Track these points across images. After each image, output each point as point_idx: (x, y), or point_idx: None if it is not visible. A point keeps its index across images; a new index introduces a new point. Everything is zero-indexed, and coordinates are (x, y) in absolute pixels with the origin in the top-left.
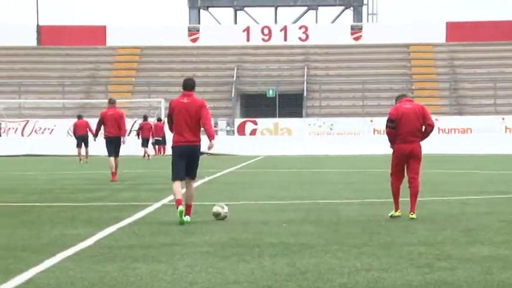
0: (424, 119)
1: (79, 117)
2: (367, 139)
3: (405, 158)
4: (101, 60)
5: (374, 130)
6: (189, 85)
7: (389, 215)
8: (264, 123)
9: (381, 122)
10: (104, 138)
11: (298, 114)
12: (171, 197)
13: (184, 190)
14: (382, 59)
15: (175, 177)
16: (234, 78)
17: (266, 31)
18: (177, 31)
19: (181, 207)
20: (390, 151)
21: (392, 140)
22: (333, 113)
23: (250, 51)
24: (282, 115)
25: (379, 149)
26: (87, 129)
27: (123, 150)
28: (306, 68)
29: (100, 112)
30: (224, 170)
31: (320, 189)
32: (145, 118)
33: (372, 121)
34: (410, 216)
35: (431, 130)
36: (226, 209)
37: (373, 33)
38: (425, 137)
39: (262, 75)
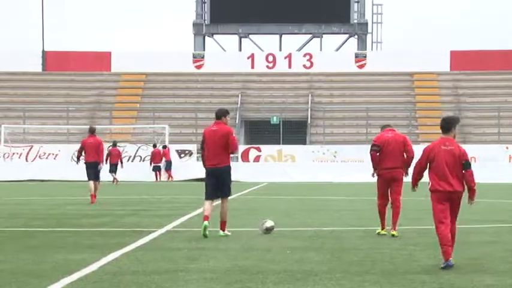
0: (405, 147)
1: (114, 145)
2: (371, 167)
3: (388, 183)
4: (105, 86)
5: None
6: (216, 114)
7: (376, 232)
8: (267, 149)
9: None
10: (84, 163)
11: (302, 141)
12: (175, 223)
13: (212, 207)
14: (386, 87)
15: (206, 197)
16: (238, 105)
17: (271, 58)
18: (182, 57)
19: (206, 222)
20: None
21: (376, 164)
22: (336, 141)
23: (255, 78)
24: (286, 142)
25: None
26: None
27: (131, 176)
28: (310, 95)
29: (81, 139)
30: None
31: (324, 216)
32: (114, 144)
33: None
34: (392, 233)
35: (411, 160)
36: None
37: (377, 61)
38: (407, 167)
39: (267, 102)
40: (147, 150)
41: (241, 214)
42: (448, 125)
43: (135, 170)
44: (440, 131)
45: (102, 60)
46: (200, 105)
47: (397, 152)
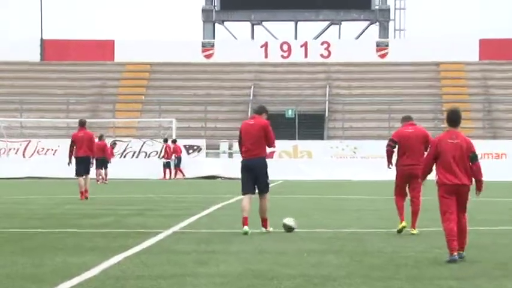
0: (425, 144)
1: (100, 137)
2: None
3: (406, 179)
4: (108, 77)
5: None
6: (256, 110)
7: (397, 230)
8: (282, 145)
9: None
10: (74, 158)
11: (319, 136)
12: (183, 224)
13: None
14: (410, 78)
15: (243, 191)
16: (251, 97)
17: (285, 47)
18: (190, 46)
19: (245, 228)
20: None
21: (390, 159)
22: (356, 135)
23: (268, 69)
24: (302, 137)
25: None
26: (105, 151)
27: (136, 174)
28: (327, 86)
29: (72, 133)
30: (239, 195)
31: (343, 217)
32: (100, 138)
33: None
34: (412, 232)
35: None
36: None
37: (400, 50)
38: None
39: (281, 94)
40: (152, 146)
41: (254, 214)
42: (456, 117)
43: (140, 166)
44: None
45: (104, 49)
46: (210, 98)
47: (417, 148)
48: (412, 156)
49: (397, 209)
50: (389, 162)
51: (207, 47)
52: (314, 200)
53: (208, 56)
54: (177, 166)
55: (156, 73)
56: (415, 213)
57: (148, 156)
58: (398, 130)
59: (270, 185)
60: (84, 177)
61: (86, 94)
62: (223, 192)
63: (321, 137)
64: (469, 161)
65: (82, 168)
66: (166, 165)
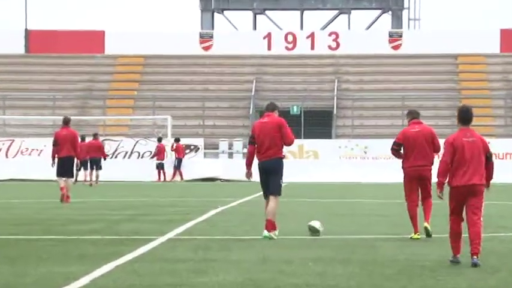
0: (433, 143)
1: (94, 136)
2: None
3: (416, 181)
4: (98, 71)
5: None
6: (267, 107)
7: (410, 237)
8: None
9: None
10: (57, 158)
11: (326, 134)
12: (178, 230)
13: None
14: (426, 72)
15: (264, 194)
16: (253, 93)
17: (290, 38)
18: (187, 37)
19: (265, 233)
20: (434, 179)
21: (400, 158)
22: (367, 134)
23: (272, 62)
24: (308, 135)
25: None
26: (101, 150)
27: (128, 175)
28: (336, 81)
29: (54, 132)
30: (240, 198)
31: (352, 222)
32: (95, 136)
33: None
34: (425, 224)
35: (436, 154)
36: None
37: (415, 42)
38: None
39: (285, 90)
40: (146, 145)
41: (256, 219)
42: (469, 116)
43: (133, 168)
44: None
45: (94, 40)
46: (208, 93)
47: (425, 147)
48: (419, 157)
49: (409, 217)
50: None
51: (205, 38)
52: (321, 204)
53: (206, 48)
54: (177, 168)
55: (150, 67)
56: (428, 209)
57: (142, 157)
58: (403, 130)
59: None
60: (64, 179)
61: (73, 89)
62: (223, 195)
63: (329, 136)
64: (487, 161)
65: (63, 170)
66: (160, 166)
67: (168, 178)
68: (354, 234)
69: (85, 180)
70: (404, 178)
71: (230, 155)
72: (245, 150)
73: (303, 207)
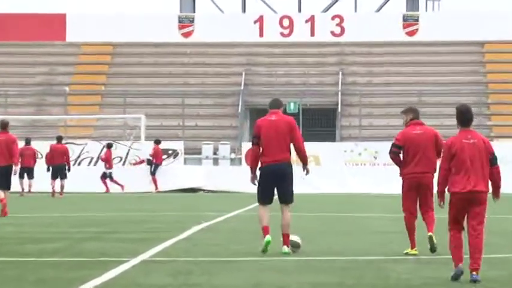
0: (436, 147)
1: (58, 140)
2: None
3: (415, 190)
4: (58, 62)
5: None
6: (274, 104)
7: (404, 252)
8: None
9: None
10: None
11: (329, 136)
12: (154, 250)
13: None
14: (447, 62)
15: (261, 199)
16: (242, 87)
17: (286, 23)
18: (164, 22)
19: (268, 237)
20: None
21: (400, 164)
22: (378, 136)
23: (264, 50)
24: (308, 138)
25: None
26: (65, 157)
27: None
28: (340, 73)
29: None
30: (227, 213)
31: (360, 240)
32: (59, 140)
33: None
34: (429, 234)
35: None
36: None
37: (433, 26)
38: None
39: (281, 83)
40: (115, 150)
41: (246, 237)
42: (470, 117)
43: (99, 176)
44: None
45: (53, 25)
46: (189, 88)
47: (428, 153)
48: (421, 163)
49: (406, 230)
50: (401, 168)
51: (185, 23)
52: (323, 219)
53: (186, 35)
54: (152, 174)
55: (119, 56)
56: (430, 221)
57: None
58: (403, 131)
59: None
60: (2, 190)
61: (29, 84)
62: (206, 209)
63: (332, 138)
64: (490, 164)
65: (2, 181)
66: (106, 176)
67: (149, 190)
68: (362, 255)
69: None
70: (402, 186)
71: (215, 162)
72: (233, 156)
73: (300, 222)
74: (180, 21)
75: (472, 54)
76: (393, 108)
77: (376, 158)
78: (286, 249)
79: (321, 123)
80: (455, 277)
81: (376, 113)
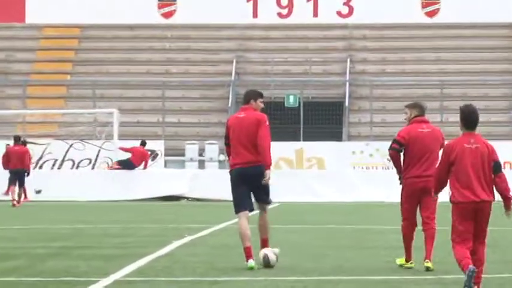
0: (441, 147)
1: (16, 140)
2: (396, 172)
3: (417, 196)
4: (16, 47)
5: None
6: (245, 97)
7: (398, 263)
8: (280, 149)
9: None
10: None
11: (335, 135)
12: (128, 270)
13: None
14: (473, 48)
15: (239, 208)
16: (233, 77)
17: (284, 1)
18: (141, 0)
19: (251, 263)
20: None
21: (399, 165)
22: (391, 134)
23: (259, 34)
24: (310, 137)
25: None
26: (24, 160)
27: (66, 192)
28: (348, 60)
29: None
30: (214, 225)
31: (372, 257)
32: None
33: None
34: (426, 265)
35: None
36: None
37: (457, 6)
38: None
39: (278, 72)
40: (83, 150)
41: (235, 253)
42: (475, 118)
43: (65, 181)
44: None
45: (10, 4)
46: (170, 78)
47: (433, 153)
48: (426, 165)
49: (403, 240)
50: (399, 173)
51: (166, 2)
52: (327, 232)
53: (167, 15)
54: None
55: (88, 41)
56: (430, 239)
57: (77, 167)
58: (407, 129)
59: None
60: None
61: None
62: (190, 220)
63: (338, 137)
64: (492, 172)
65: None
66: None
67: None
68: (375, 274)
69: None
70: (403, 191)
71: (201, 164)
72: (222, 158)
73: (302, 236)
74: (159, 0)
75: (503, 38)
76: (409, 102)
77: (389, 160)
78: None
79: (326, 119)
80: (470, 276)
81: (390, 108)
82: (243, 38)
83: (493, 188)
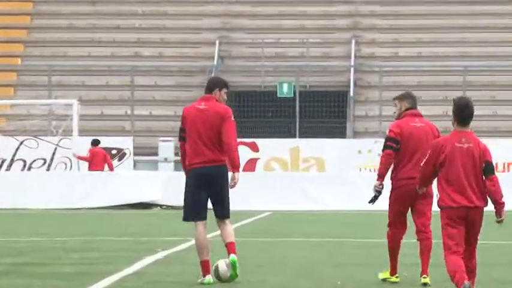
0: None
1: None
2: (377, 174)
3: (409, 201)
4: None
5: None
6: (208, 85)
7: (381, 278)
8: (271, 147)
9: (495, 148)
10: None
11: (337, 130)
12: None
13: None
14: (502, 27)
15: (191, 215)
16: (215, 61)
17: None
18: None
19: (208, 278)
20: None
21: (386, 170)
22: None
23: (246, 10)
24: (308, 133)
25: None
26: None
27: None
28: (353, 41)
29: None
30: (192, 238)
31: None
32: None
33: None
34: (423, 280)
35: None
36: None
37: None
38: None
39: (269, 56)
40: (36, 149)
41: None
42: (470, 113)
43: (15, 186)
44: None
45: None
46: (141, 62)
47: (426, 152)
48: (419, 166)
49: (388, 250)
50: (384, 173)
51: None
52: (327, 246)
53: None
54: None
55: (43, 17)
56: (426, 251)
57: (29, 168)
58: (398, 123)
59: (249, 220)
60: None
61: None
62: (164, 232)
63: (342, 133)
64: (483, 174)
65: None
66: None
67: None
68: None
69: None
70: (391, 195)
71: (177, 166)
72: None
73: (298, 252)
74: None
75: None
76: (426, 91)
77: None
78: (234, 257)
79: (326, 112)
80: None
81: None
82: (227, 14)
83: (484, 192)
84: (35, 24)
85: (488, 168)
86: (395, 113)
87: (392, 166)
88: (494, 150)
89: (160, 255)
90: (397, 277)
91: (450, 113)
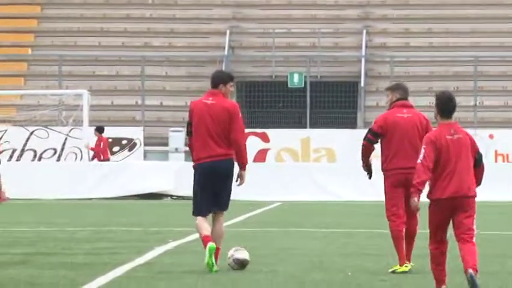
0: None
1: None
2: (486, 170)
3: (401, 190)
4: None
5: (496, 154)
6: (213, 80)
7: (390, 270)
8: (281, 138)
9: (507, 139)
10: None
11: (348, 121)
12: (101, 281)
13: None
14: (510, 17)
15: (199, 211)
16: (226, 52)
17: None
18: None
19: (211, 244)
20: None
21: (367, 160)
22: None
23: (257, 0)
24: (318, 123)
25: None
26: None
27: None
28: (364, 32)
29: None
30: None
31: (389, 267)
32: None
33: (492, 137)
34: (404, 266)
35: None
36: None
37: None
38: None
39: (280, 46)
40: (47, 139)
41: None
42: (453, 106)
43: (25, 175)
44: None
45: None
46: (151, 52)
47: (417, 142)
48: (409, 155)
49: (392, 239)
50: (367, 164)
51: None
52: (338, 236)
53: None
54: None
55: (52, 7)
56: (410, 237)
57: (40, 158)
58: (384, 115)
59: (259, 210)
60: None
61: None
62: (175, 222)
63: (352, 123)
64: (475, 164)
65: None
66: None
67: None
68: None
69: None
70: (385, 185)
71: (187, 156)
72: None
73: (308, 243)
74: None
75: None
76: (438, 82)
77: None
78: (213, 245)
79: (337, 102)
80: None
81: (414, 89)
82: (238, 4)
83: (474, 181)
84: (45, 14)
85: (480, 158)
86: (387, 103)
87: (382, 158)
88: (506, 140)
89: (171, 245)
90: (406, 266)
91: (463, 103)
